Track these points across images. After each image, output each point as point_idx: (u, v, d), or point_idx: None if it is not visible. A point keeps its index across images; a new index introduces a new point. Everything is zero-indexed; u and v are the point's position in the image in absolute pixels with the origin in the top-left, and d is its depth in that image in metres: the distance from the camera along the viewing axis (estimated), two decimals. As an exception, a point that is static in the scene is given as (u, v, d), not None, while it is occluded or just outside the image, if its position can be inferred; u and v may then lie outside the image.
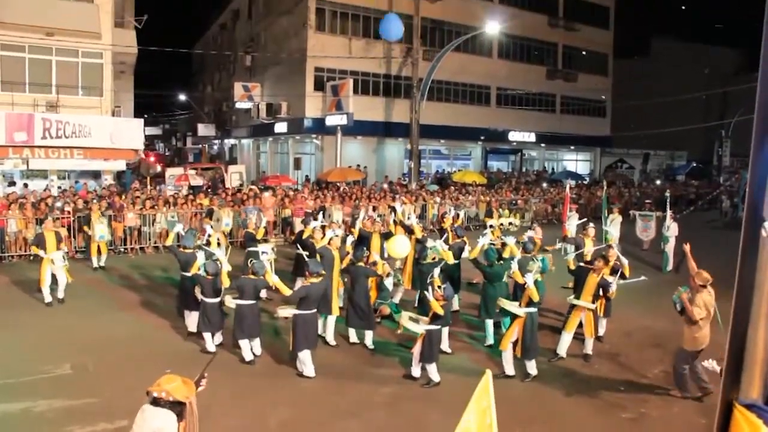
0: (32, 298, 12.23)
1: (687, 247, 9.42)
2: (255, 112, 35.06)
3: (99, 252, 15.32)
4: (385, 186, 26.93)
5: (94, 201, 16.81)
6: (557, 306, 11.48)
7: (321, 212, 16.74)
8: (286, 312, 9.09)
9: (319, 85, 31.29)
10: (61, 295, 12.06)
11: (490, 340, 10.06)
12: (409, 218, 14.01)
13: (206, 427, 4.64)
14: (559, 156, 46.18)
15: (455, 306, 11.91)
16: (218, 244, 12.18)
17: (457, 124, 34.93)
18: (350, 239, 11.11)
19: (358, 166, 31.57)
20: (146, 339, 9.99)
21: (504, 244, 10.63)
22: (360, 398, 7.96)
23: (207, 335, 9.40)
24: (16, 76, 21.59)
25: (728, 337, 2.30)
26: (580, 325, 9.52)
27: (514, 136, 39.12)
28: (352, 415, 7.46)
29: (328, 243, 10.71)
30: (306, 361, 8.55)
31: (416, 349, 8.44)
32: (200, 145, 50.64)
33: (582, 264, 10.37)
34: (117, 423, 6.91)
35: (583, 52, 42.22)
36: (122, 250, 17.24)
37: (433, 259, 10.84)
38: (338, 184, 26.41)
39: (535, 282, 8.50)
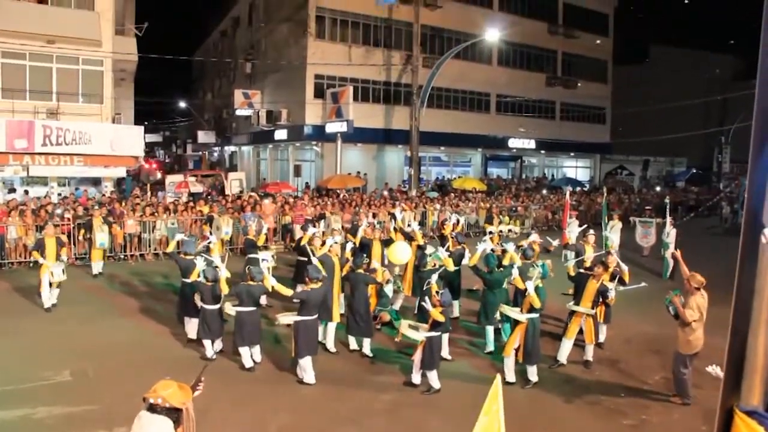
0: (32, 304, 12.22)
1: (678, 253, 9.46)
2: (255, 119, 35.09)
3: (98, 258, 15.35)
4: (385, 193, 26.94)
5: (96, 207, 16.83)
6: (557, 312, 11.47)
7: (320, 220, 16.74)
8: (287, 319, 9.09)
9: (319, 93, 31.35)
10: (53, 300, 12.13)
11: (491, 347, 10.05)
12: (409, 225, 14.01)
13: (206, 434, 4.62)
14: (559, 163, 46.23)
15: (455, 313, 11.91)
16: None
17: (457, 131, 34.97)
18: (349, 246, 11.11)
19: (358, 173, 31.59)
20: (146, 345, 9.98)
21: (504, 251, 10.62)
22: (360, 405, 7.95)
23: (207, 342, 9.38)
24: (16, 83, 21.63)
25: (728, 343, 2.30)
26: (581, 331, 9.50)
27: (514, 142, 39.17)
28: (351, 422, 7.45)
29: (328, 250, 10.71)
30: (307, 367, 8.54)
31: (417, 356, 8.43)
32: (200, 152, 50.69)
33: (582, 270, 10.37)
34: (116, 430, 6.90)
35: (583, 59, 42.34)
36: (122, 256, 17.23)
37: (434, 265, 10.83)
38: (338, 191, 26.42)
39: (536, 288, 8.50)
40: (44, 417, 7.28)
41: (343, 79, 31.40)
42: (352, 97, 29.82)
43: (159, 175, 30.68)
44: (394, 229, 13.20)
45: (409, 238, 12.31)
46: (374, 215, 19.79)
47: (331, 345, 10.03)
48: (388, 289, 11.14)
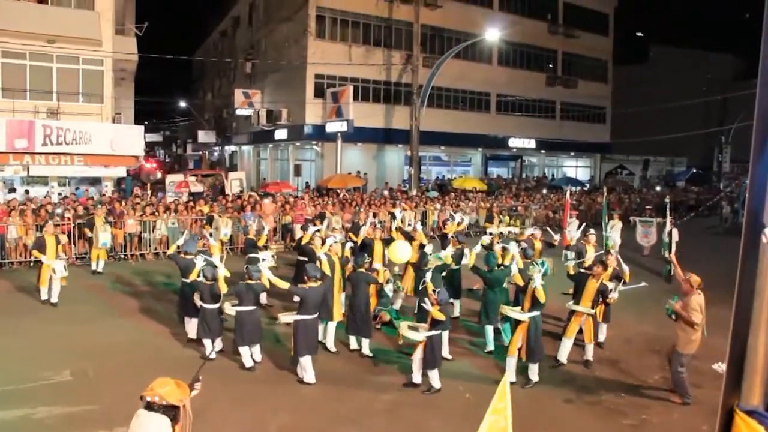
0: (32, 304, 12.23)
1: (673, 256, 9.49)
2: (255, 119, 35.09)
3: (98, 257, 15.34)
4: (386, 193, 26.94)
5: (98, 207, 16.85)
6: (557, 312, 11.47)
7: (320, 219, 16.74)
8: (288, 318, 9.10)
9: (319, 92, 31.34)
10: (54, 300, 12.15)
11: (491, 347, 10.05)
12: (410, 224, 14.02)
13: (206, 434, 4.62)
14: (559, 162, 46.22)
15: (456, 312, 11.92)
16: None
17: (457, 131, 34.96)
18: (349, 245, 11.13)
19: (359, 172, 31.59)
20: (146, 345, 9.98)
21: (504, 249, 10.62)
22: (360, 405, 7.95)
23: (207, 342, 9.38)
24: (17, 83, 21.64)
25: (729, 343, 2.30)
26: (580, 331, 9.50)
27: (514, 142, 39.16)
28: (352, 422, 7.45)
29: (328, 249, 10.71)
30: (307, 366, 8.54)
31: (417, 356, 8.43)
32: (200, 152, 50.69)
33: (582, 270, 10.37)
34: (116, 430, 6.89)
35: (583, 59, 42.33)
36: (122, 256, 17.23)
37: (435, 265, 10.82)
38: (338, 190, 26.42)
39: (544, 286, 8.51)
40: (44, 417, 7.28)
41: (343, 79, 31.39)
42: (353, 96, 29.82)
43: (159, 175, 30.64)
44: (396, 228, 13.22)
45: (409, 237, 12.32)
46: (375, 215, 19.79)
47: (331, 344, 10.02)
48: (388, 289, 11.14)
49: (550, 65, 41.16)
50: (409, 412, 7.75)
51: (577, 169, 46.43)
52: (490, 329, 10.13)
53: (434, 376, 8.34)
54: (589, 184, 41.74)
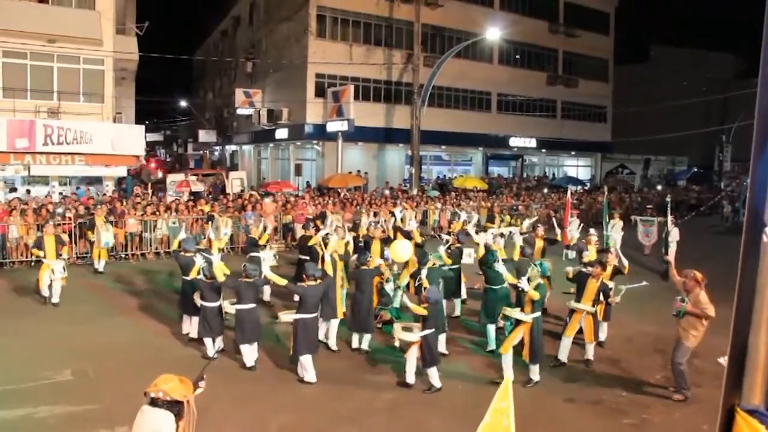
0: (33, 304, 12.24)
1: (671, 258, 9.51)
2: (256, 119, 35.09)
3: (99, 256, 15.34)
4: (386, 192, 26.94)
5: (98, 207, 16.85)
6: (557, 311, 11.48)
7: (321, 219, 16.74)
8: (288, 317, 9.11)
9: (320, 92, 31.33)
10: (55, 299, 12.13)
11: (492, 345, 10.04)
12: (410, 223, 14.00)
13: (207, 434, 4.63)
14: (560, 161, 46.20)
15: (457, 311, 11.92)
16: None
17: (458, 130, 34.94)
18: (349, 236, 11.21)
19: (359, 172, 31.59)
20: (147, 345, 9.99)
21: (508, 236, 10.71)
22: (360, 404, 7.95)
23: (208, 341, 9.40)
24: (17, 82, 21.64)
25: (730, 342, 2.30)
26: (581, 330, 9.50)
27: (515, 141, 39.14)
28: (352, 421, 7.45)
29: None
30: (307, 365, 8.55)
31: (410, 355, 8.44)
32: (201, 151, 50.68)
33: (583, 269, 10.36)
34: (117, 429, 6.90)
35: (584, 58, 42.30)
36: (123, 255, 17.24)
37: (434, 264, 10.82)
38: (339, 190, 26.43)
39: (538, 285, 8.49)
40: (46, 416, 7.29)
41: (343, 78, 31.39)
42: (353, 96, 29.79)
43: (160, 174, 30.67)
44: (394, 227, 13.21)
45: (408, 237, 12.32)
46: (375, 214, 19.79)
47: (333, 343, 10.05)
48: (389, 288, 11.15)
49: (551, 62, 41.15)
50: (410, 411, 7.75)
51: (578, 168, 46.41)
52: (491, 328, 10.13)
53: (433, 374, 8.33)
54: (589, 183, 41.74)
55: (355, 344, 10.03)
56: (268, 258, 11.33)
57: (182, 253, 10.70)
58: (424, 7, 30.97)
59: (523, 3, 38.75)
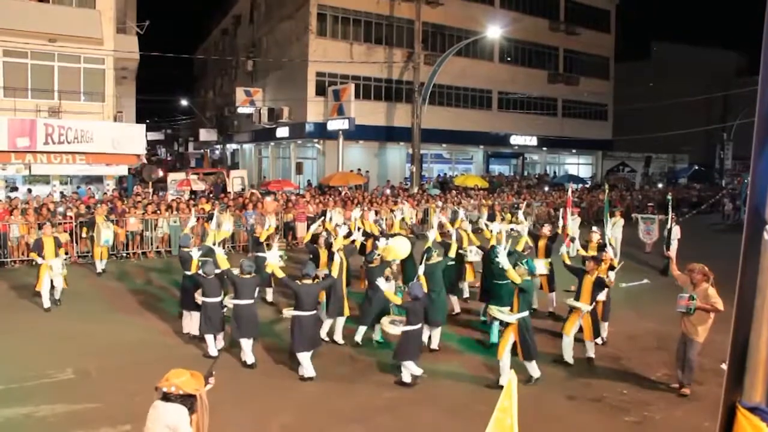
0: (34, 303, 12.24)
1: (672, 254, 9.50)
2: (257, 117, 35.10)
3: (101, 256, 15.32)
4: (387, 191, 26.94)
5: (98, 206, 16.86)
6: (557, 310, 11.49)
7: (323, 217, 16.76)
8: (290, 313, 9.16)
9: (320, 90, 31.32)
10: (57, 295, 12.11)
11: (494, 338, 10.07)
12: (411, 221, 14.00)
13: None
14: (561, 160, 46.16)
15: (457, 309, 11.93)
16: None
17: (459, 129, 34.94)
18: (343, 231, 11.26)
19: (360, 170, 31.58)
20: (148, 344, 10.00)
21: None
22: (362, 402, 7.95)
23: (209, 338, 9.44)
24: (18, 81, 21.65)
25: (731, 339, 2.30)
26: (581, 330, 9.49)
27: (516, 139, 39.12)
28: (353, 420, 7.45)
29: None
30: (303, 362, 8.61)
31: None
32: (202, 150, 50.70)
33: (582, 268, 10.35)
34: (119, 428, 6.92)
35: (584, 56, 42.26)
36: (124, 254, 17.26)
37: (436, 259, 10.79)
38: (340, 188, 26.43)
39: (525, 283, 8.49)
40: (47, 415, 7.30)
41: (344, 77, 31.38)
42: (354, 94, 29.79)
43: (161, 173, 30.68)
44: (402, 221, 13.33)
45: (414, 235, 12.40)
46: (376, 212, 19.80)
47: (339, 337, 10.17)
48: (388, 285, 11.15)
49: (551, 60, 41.12)
50: (411, 410, 7.75)
51: (578, 166, 46.36)
52: (495, 323, 10.17)
53: (410, 366, 8.40)
54: (590, 181, 41.70)
55: (357, 338, 10.11)
56: (273, 257, 11.35)
57: (182, 248, 10.78)
58: (425, 6, 30.94)
59: (524, 1, 38.71)
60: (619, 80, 45.13)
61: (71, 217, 16.59)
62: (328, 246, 11.08)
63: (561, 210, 21.64)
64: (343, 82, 30.83)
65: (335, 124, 30.00)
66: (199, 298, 9.68)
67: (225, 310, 9.67)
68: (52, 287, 12.05)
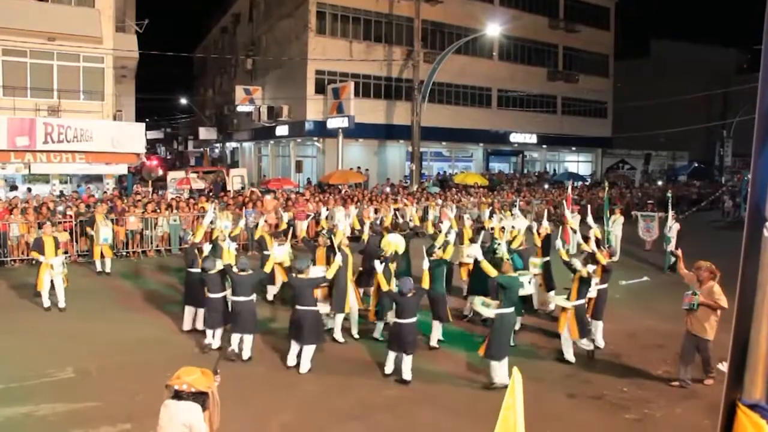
0: (34, 302, 12.23)
1: (679, 252, 9.47)
2: (256, 116, 35.09)
3: (102, 256, 15.28)
4: (387, 189, 26.94)
5: (98, 204, 16.85)
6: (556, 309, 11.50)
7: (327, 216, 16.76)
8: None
9: (320, 88, 31.31)
10: (62, 304, 11.82)
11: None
12: (410, 220, 13.97)
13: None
14: (561, 157, 46.15)
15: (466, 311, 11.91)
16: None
17: (459, 126, 34.93)
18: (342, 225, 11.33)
19: (360, 168, 31.58)
20: (148, 342, 9.99)
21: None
22: (362, 401, 7.95)
23: (209, 332, 9.62)
24: (17, 80, 21.64)
25: (731, 337, 2.30)
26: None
27: (516, 137, 39.11)
28: (354, 418, 7.45)
29: (340, 242, 10.69)
30: (291, 351, 8.92)
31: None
32: (202, 149, 50.70)
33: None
34: (119, 426, 6.92)
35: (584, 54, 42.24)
36: (124, 253, 17.25)
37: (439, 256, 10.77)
38: (340, 186, 26.43)
39: (509, 279, 8.48)
40: (47, 414, 7.30)
41: (344, 75, 31.37)
42: (353, 92, 29.77)
43: (160, 172, 30.68)
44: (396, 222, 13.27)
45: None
46: (376, 210, 19.80)
47: (338, 334, 10.20)
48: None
49: (551, 58, 41.09)
50: (411, 408, 7.76)
51: (578, 164, 46.35)
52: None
53: (388, 358, 8.56)
54: (590, 178, 41.71)
55: (377, 334, 10.25)
56: (282, 254, 11.43)
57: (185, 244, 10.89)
58: (424, 4, 30.93)
59: (523, -2, 38.74)
60: (619, 78, 45.13)
61: (71, 216, 16.58)
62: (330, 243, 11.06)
63: (561, 207, 21.68)
64: (343, 80, 30.82)
65: (335, 122, 30.00)
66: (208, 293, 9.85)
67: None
68: (52, 287, 12.01)
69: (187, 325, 10.50)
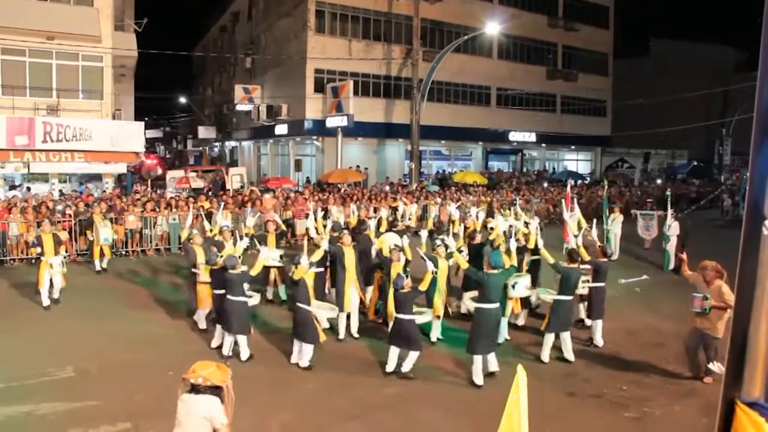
0: (33, 301, 12.23)
1: (684, 255, 9.47)
2: (255, 115, 35.09)
3: (102, 254, 15.28)
4: (387, 188, 26.93)
5: (96, 204, 16.84)
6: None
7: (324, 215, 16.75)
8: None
9: (319, 87, 31.31)
10: (56, 295, 12.06)
11: (505, 334, 10.20)
12: (409, 219, 13.95)
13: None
14: (560, 156, 46.18)
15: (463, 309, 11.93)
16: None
17: (458, 125, 34.94)
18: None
19: (359, 167, 31.57)
20: (148, 342, 9.98)
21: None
22: (362, 400, 7.95)
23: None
24: (16, 79, 21.63)
25: (730, 334, 2.30)
26: (581, 329, 9.50)
27: (515, 136, 39.12)
28: (354, 417, 7.45)
29: (340, 241, 10.67)
30: (294, 348, 9.02)
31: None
32: (201, 148, 50.68)
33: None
34: (119, 425, 6.92)
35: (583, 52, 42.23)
36: (123, 252, 17.24)
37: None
38: (339, 185, 26.42)
39: (490, 275, 8.52)
40: (47, 413, 7.30)
41: (343, 74, 31.37)
42: (353, 91, 29.80)
43: (159, 171, 30.66)
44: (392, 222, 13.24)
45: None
46: (375, 209, 19.79)
47: (341, 332, 10.22)
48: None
49: (550, 56, 41.08)
50: (411, 407, 7.76)
51: (577, 162, 46.38)
52: (503, 320, 10.23)
53: (391, 353, 8.55)
54: (589, 177, 41.72)
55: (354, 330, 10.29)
56: (274, 257, 11.39)
57: (189, 242, 10.89)
58: (423, 2, 30.94)
59: (522, -3, 38.73)
60: (618, 76, 45.13)
61: (70, 216, 16.56)
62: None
63: (560, 206, 21.70)
64: (342, 79, 30.82)
65: (334, 121, 30.01)
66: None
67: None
68: (51, 285, 12.04)
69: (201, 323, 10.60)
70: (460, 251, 10.59)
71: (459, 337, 10.46)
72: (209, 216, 16.88)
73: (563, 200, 16.89)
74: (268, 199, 19.64)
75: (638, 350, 9.94)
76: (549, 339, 9.28)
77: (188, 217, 12.61)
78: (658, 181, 38.72)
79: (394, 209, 16.57)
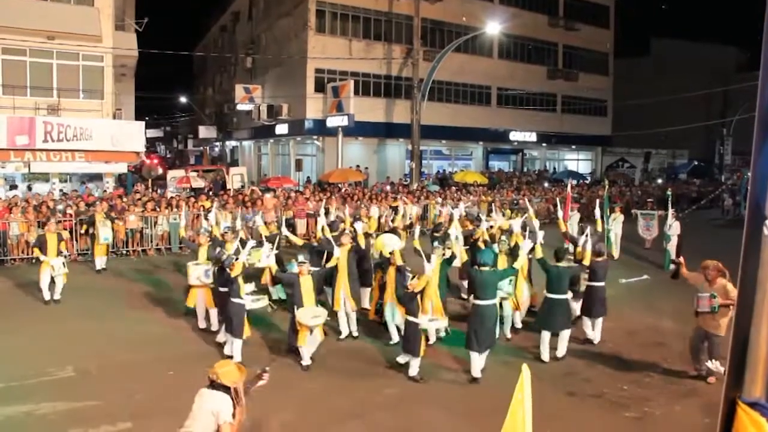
0: (34, 301, 12.24)
1: (681, 260, 9.47)
2: (256, 114, 35.09)
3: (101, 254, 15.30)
4: (387, 187, 26.92)
5: (97, 203, 16.85)
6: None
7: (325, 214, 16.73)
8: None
9: (319, 87, 31.30)
10: (57, 296, 12.11)
11: (506, 333, 10.25)
12: (409, 218, 13.94)
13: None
14: (561, 156, 46.14)
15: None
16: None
17: (458, 125, 34.92)
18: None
19: (359, 167, 31.56)
20: (148, 341, 9.98)
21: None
22: (363, 400, 7.95)
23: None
24: (17, 79, 21.63)
25: (731, 334, 2.30)
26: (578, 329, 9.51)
27: (515, 136, 39.10)
28: (354, 417, 7.45)
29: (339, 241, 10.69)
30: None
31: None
32: (201, 147, 50.65)
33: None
34: (119, 425, 6.92)
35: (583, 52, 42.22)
36: (124, 252, 17.24)
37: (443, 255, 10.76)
38: (340, 185, 26.41)
39: (478, 273, 8.58)
40: (47, 413, 7.30)
41: (343, 73, 31.36)
42: (353, 91, 29.78)
43: (160, 171, 30.66)
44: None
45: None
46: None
47: (344, 332, 10.25)
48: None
49: (550, 57, 41.08)
50: (412, 407, 7.75)
51: (578, 162, 46.34)
52: (506, 320, 10.30)
53: (411, 363, 8.51)
54: (590, 177, 41.69)
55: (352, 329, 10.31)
56: (269, 255, 11.36)
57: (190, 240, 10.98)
58: (424, 2, 30.89)
59: (523, -4, 38.71)
60: (619, 76, 45.09)
61: (71, 215, 16.57)
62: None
63: (561, 205, 21.67)
64: (342, 79, 30.81)
65: (334, 121, 30.00)
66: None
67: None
68: (53, 283, 12.07)
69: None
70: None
71: (459, 336, 10.47)
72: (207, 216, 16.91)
73: (562, 200, 16.83)
74: (269, 199, 19.64)
75: (638, 350, 9.93)
76: (545, 337, 9.28)
77: (182, 217, 12.69)
78: (659, 181, 38.71)
79: (395, 209, 16.53)
